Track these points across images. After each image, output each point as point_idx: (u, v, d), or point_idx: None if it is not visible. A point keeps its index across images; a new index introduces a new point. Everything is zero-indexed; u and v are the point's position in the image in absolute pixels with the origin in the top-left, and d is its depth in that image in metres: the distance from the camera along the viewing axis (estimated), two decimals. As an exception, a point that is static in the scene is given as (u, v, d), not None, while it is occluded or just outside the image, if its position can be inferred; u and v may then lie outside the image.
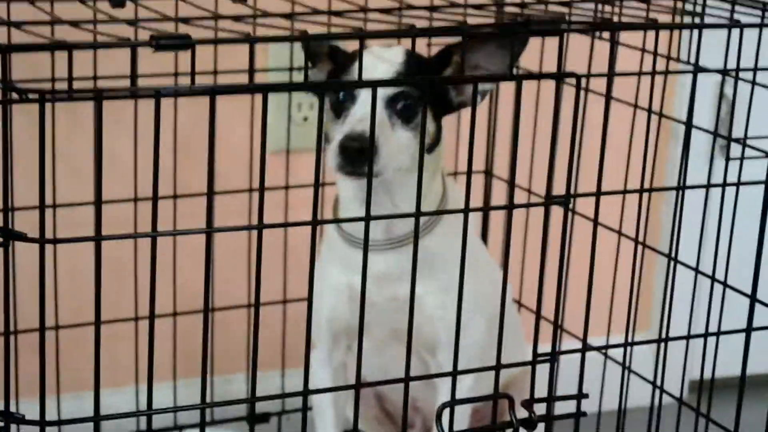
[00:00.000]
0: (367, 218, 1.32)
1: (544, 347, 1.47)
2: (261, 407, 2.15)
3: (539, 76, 1.39)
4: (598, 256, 1.96)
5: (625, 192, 1.51)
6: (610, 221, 1.87)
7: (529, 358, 1.46)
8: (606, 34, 1.72)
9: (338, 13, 1.44)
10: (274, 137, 2.11)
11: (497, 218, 2.17)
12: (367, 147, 1.38)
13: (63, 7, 1.49)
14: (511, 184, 1.42)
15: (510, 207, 1.42)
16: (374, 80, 1.43)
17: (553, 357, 1.47)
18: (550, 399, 1.47)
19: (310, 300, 1.33)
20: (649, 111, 1.61)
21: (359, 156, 1.42)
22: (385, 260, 1.61)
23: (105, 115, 1.19)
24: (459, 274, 1.39)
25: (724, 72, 1.60)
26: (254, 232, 1.34)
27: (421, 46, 1.64)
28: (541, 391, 1.47)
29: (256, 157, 2.05)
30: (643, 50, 1.65)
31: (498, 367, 1.46)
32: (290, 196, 2.09)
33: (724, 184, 1.55)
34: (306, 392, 1.37)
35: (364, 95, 1.48)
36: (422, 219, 1.57)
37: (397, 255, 1.61)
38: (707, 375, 1.70)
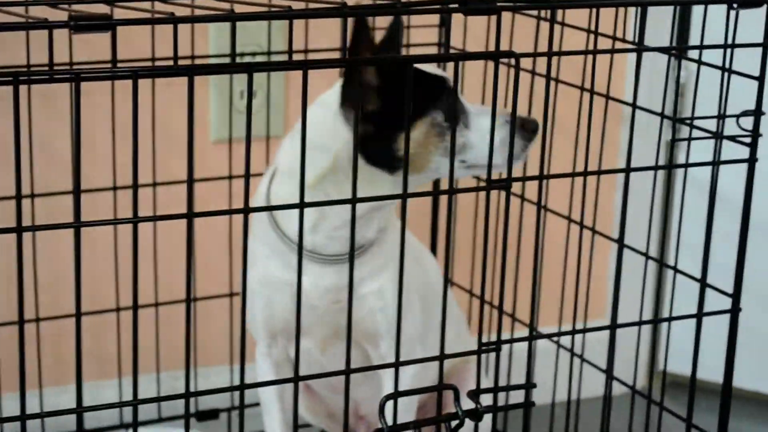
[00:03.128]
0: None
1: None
2: (210, 403, 2.11)
3: (476, 55, 1.34)
4: (554, 244, 1.93)
5: (568, 175, 1.46)
6: (564, 207, 1.84)
7: (471, 347, 1.42)
8: (547, 14, 1.68)
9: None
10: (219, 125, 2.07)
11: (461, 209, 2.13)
12: None
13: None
14: (451, 168, 1.38)
15: (450, 192, 1.37)
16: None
17: (498, 346, 1.43)
18: (496, 389, 1.42)
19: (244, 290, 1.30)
20: (591, 92, 1.57)
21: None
22: (337, 273, 1.57)
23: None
24: (399, 268, 1.37)
25: (668, 50, 1.56)
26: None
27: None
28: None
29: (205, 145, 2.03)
30: (588, 30, 1.61)
31: (442, 357, 1.42)
32: (232, 185, 2.04)
33: (670, 166, 1.51)
34: (243, 387, 1.33)
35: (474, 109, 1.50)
36: (377, 228, 1.57)
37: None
38: (662, 363, 1.67)
